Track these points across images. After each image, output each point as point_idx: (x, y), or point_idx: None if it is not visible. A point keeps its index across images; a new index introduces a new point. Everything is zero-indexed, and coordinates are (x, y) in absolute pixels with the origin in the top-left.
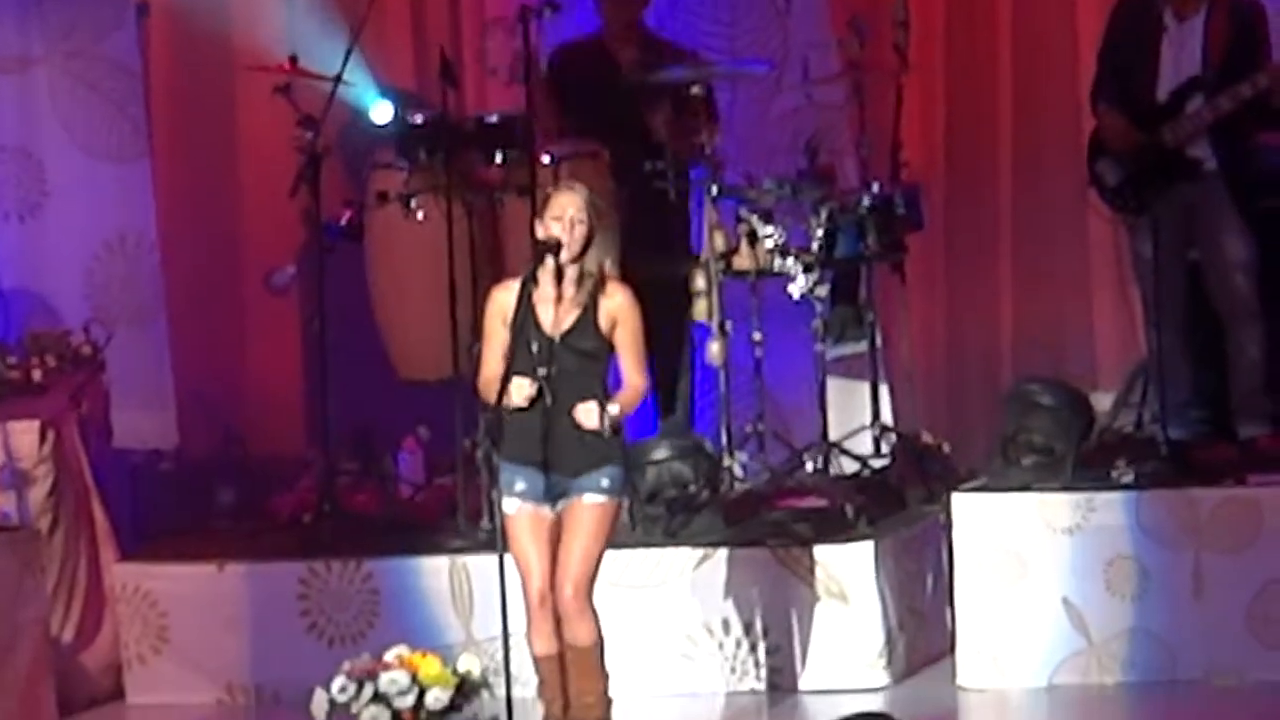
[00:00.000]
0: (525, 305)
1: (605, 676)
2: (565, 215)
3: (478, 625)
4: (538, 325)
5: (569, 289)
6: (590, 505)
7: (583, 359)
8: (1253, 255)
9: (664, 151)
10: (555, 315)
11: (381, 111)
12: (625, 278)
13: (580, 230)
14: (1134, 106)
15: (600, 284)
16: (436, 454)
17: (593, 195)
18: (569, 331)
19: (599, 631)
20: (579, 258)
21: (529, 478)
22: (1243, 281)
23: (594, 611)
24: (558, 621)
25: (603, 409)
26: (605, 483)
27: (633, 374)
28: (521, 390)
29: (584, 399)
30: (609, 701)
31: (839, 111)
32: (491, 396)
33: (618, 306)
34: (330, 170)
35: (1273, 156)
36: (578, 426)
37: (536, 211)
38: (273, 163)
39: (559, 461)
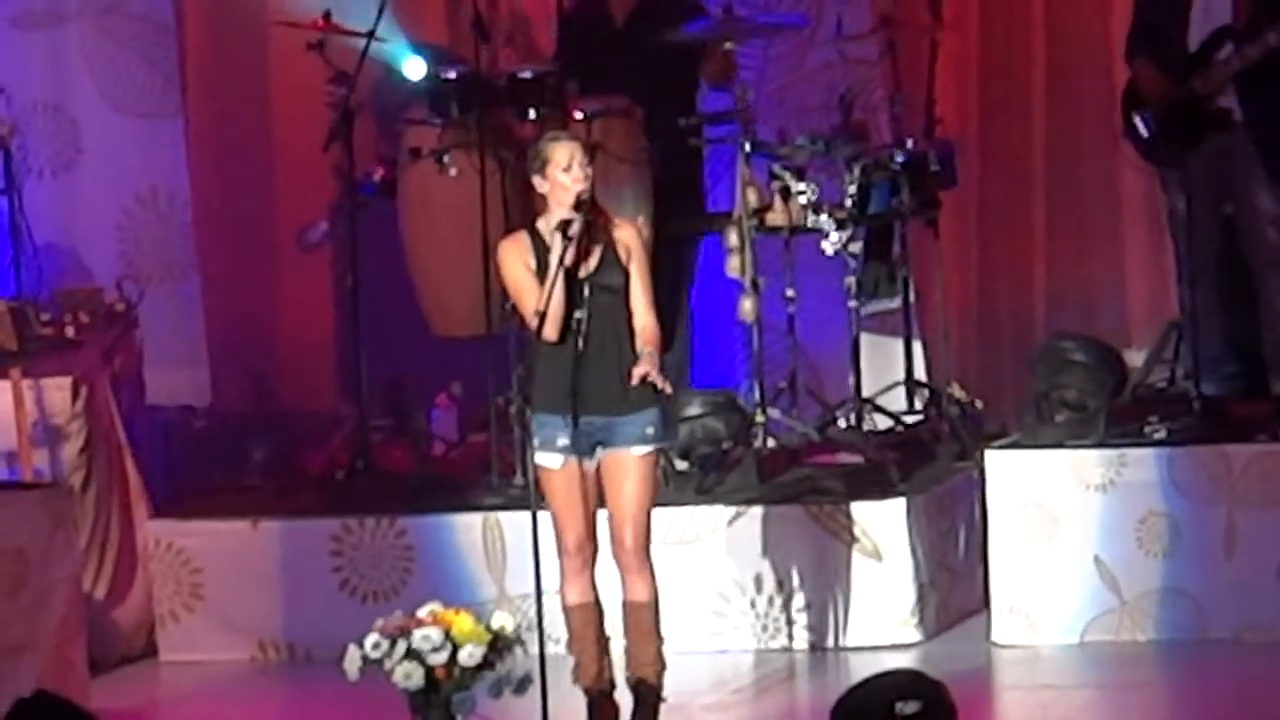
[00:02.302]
0: (546, 255)
1: (661, 638)
2: (573, 165)
3: (511, 581)
4: (566, 272)
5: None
6: (638, 457)
7: (613, 295)
8: None
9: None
10: (579, 259)
11: (414, 68)
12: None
13: (589, 174)
14: (1167, 57)
15: (607, 220)
16: (469, 410)
17: (582, 139)
18: (596, 271)
19: (656, 589)
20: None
21: (570, 430)
22: (1273, 234)
23: (652, 568)
24: (591, 574)
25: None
26: (650, 430)
27: (643, 313)
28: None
29: (619, 336)
30: (664, 664)
31: (872, 67)
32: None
33: (630, 237)
34: (363, 126)
35: None
36: (625, 372)
37: (535, 169)
38: (306, 119)
39: (599, 403)
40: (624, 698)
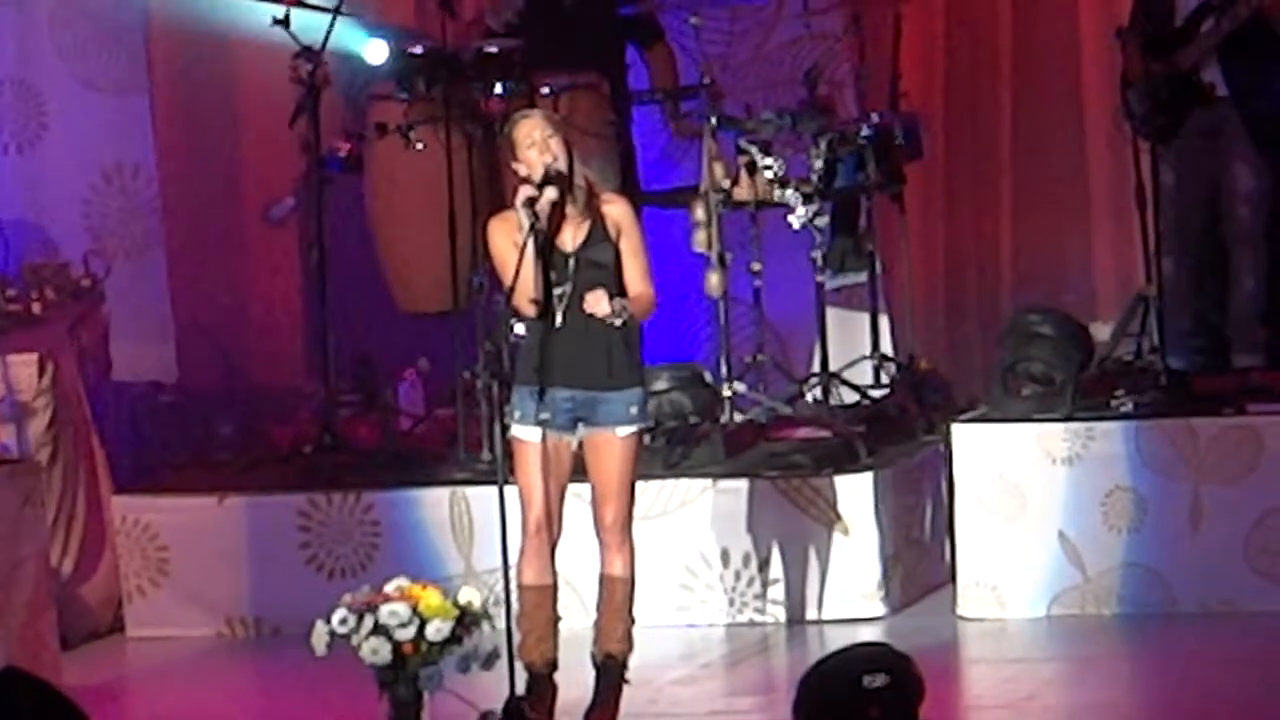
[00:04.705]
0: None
1: (632, 619)
2: (536, 139)
3: (478, 557)
4: (553, 245)
5: (568, 207)
6: (623, 438)
7: (600, 271)
8: (1260, 185)
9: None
10: (566, 231)
11: (375, 52)
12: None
13: (555, 142)
14: (1155, 33)
15: (592, 193)
16: (436, 385)
17: (548, 112)
18: (584, 245)
19: (634, 569)
20: (570, 169)
21: (550, 404)
22: (1246, 211)
23: (632, 546)
24: (549, 555)
25: (611, 297)
26: (634, 411)
27: (639, 283)
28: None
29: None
30: (631, 645)
31: (838, 41)
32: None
33: (621, 214)
34: (329, 101)
35: None
36: (609, 349)
37: (510, 154)
38: (271, 94)
39: (581, 377)
40: (574, 677)
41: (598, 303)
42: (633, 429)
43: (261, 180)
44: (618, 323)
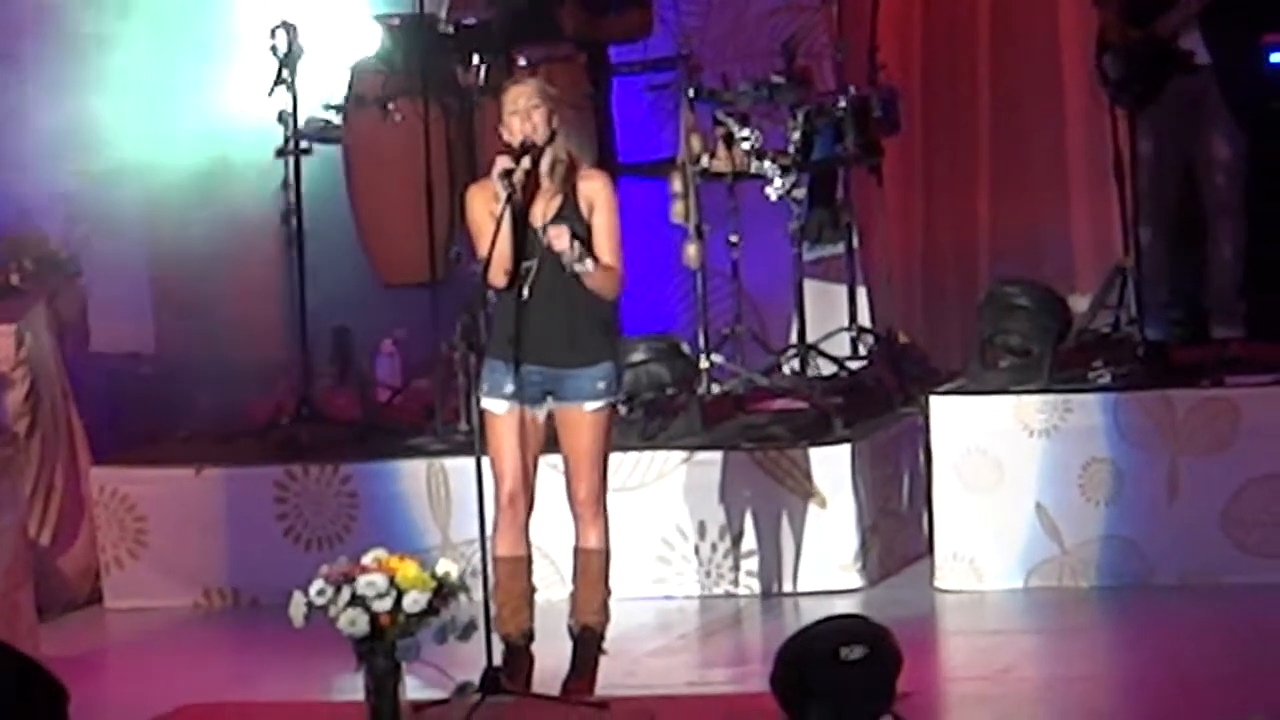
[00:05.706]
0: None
1: (608, 590)
2: (519, 106)
3: (455, 528)
4: (521, 219)
5: (544, 180)
6: (590, 412)
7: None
8: (1238, 155)
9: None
10: (538, 206)
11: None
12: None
13: (539, 114)
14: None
15: (573, 169)
16: (413, 357)
17: (543, 83)
18: (553, 221)
19: (608, 540)
20: (548, 143)
21: (519, 378)
22: (1223, 181)
23: (607, 518)
24: (523, 527)
25: (574, 236)
26: (602, 385)
27: (606, 257)
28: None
29: (569, 288)
30: (608, 616)
31: (816, 13)
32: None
33: (596, 190)
34: (307, 71)
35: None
36: (574, 325)
37: (498, 120)
38: (250, 66)
39: (546, 353)
40: (551, 648)
41: (559, 236)
42: (600, 404)
43: (239, 151)
44: (577, 267)
